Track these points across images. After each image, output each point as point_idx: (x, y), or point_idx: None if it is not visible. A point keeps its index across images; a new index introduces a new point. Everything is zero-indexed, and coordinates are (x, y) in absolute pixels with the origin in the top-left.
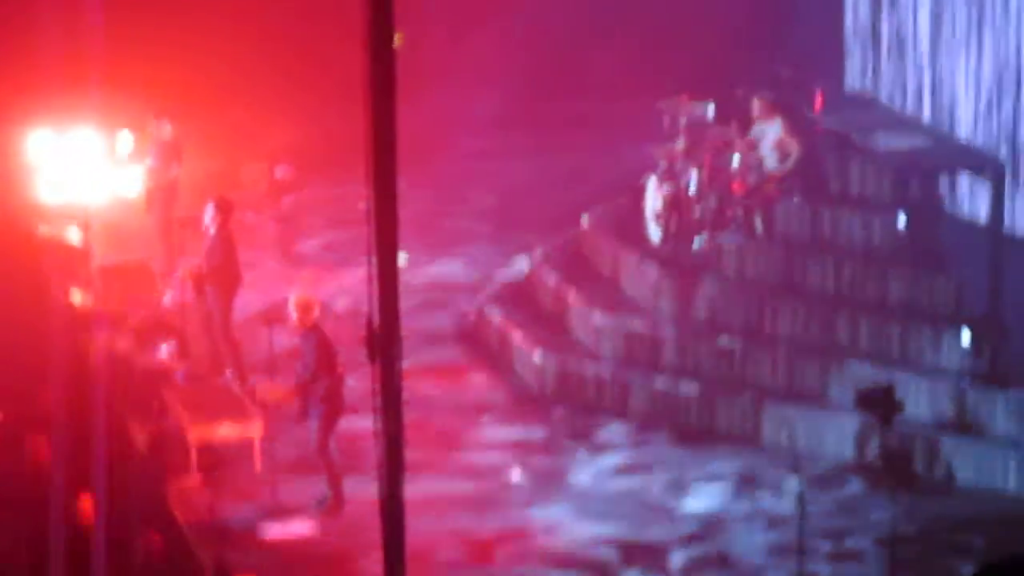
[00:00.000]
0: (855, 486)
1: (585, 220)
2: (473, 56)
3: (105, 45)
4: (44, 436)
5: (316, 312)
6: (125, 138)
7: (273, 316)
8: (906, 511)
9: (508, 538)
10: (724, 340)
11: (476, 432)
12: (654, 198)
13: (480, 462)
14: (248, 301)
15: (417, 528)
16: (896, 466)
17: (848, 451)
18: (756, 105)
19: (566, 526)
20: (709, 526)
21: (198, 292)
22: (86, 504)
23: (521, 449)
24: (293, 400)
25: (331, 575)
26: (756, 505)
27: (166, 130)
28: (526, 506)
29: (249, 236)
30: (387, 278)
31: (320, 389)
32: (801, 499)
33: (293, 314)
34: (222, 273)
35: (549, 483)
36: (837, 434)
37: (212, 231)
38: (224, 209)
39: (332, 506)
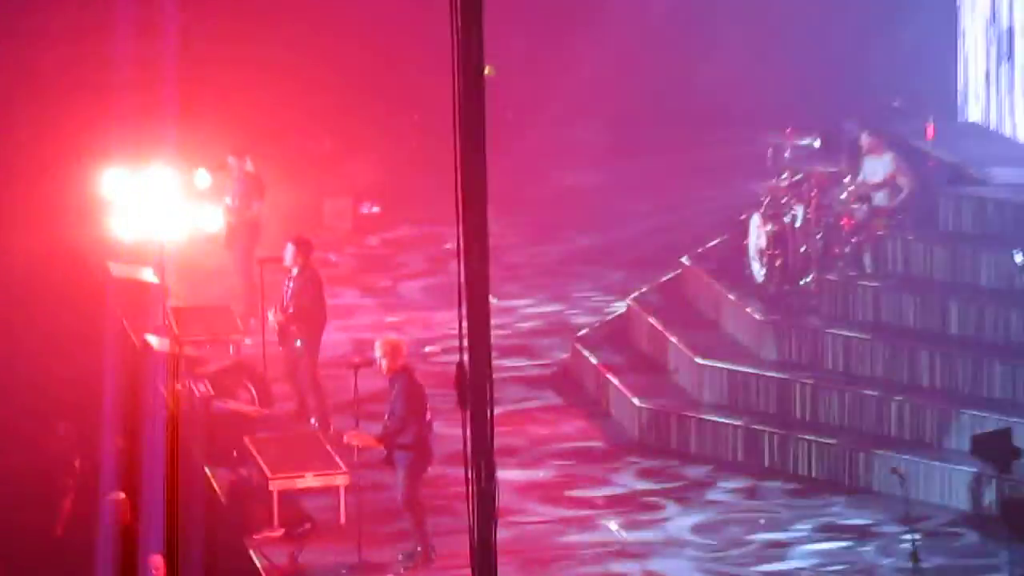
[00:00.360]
0: (971, 538)
1: (686, 259)
2: (567, 87)
3: (182, 79)
4: (125, 495)
5: (404, 354)
6: (203, 174)
7: (360, 359)
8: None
9: None
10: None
11: (572, 481)
12: (758, 235)
13: (574, 514)
14: (332, 343)
15: None
16: (1015, 516)
17: (963, 501)
18: (865, 139)
19: None
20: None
21: (284, 336)
22: (163, 562)
23: (618, 500)
24: (380, 448)
25: None
26: (868, 559)
27: (247, 165)
28: (626, 560)
29: (333, 275)
30: (477, 319)
31: (408, 436)
32: (915, 554)
33: (380, 358)
34: (310, 316)
35: (647, 536)
36: (952, 483)
37: (295, 271)
38: (304, 248)
39: (421, 561)
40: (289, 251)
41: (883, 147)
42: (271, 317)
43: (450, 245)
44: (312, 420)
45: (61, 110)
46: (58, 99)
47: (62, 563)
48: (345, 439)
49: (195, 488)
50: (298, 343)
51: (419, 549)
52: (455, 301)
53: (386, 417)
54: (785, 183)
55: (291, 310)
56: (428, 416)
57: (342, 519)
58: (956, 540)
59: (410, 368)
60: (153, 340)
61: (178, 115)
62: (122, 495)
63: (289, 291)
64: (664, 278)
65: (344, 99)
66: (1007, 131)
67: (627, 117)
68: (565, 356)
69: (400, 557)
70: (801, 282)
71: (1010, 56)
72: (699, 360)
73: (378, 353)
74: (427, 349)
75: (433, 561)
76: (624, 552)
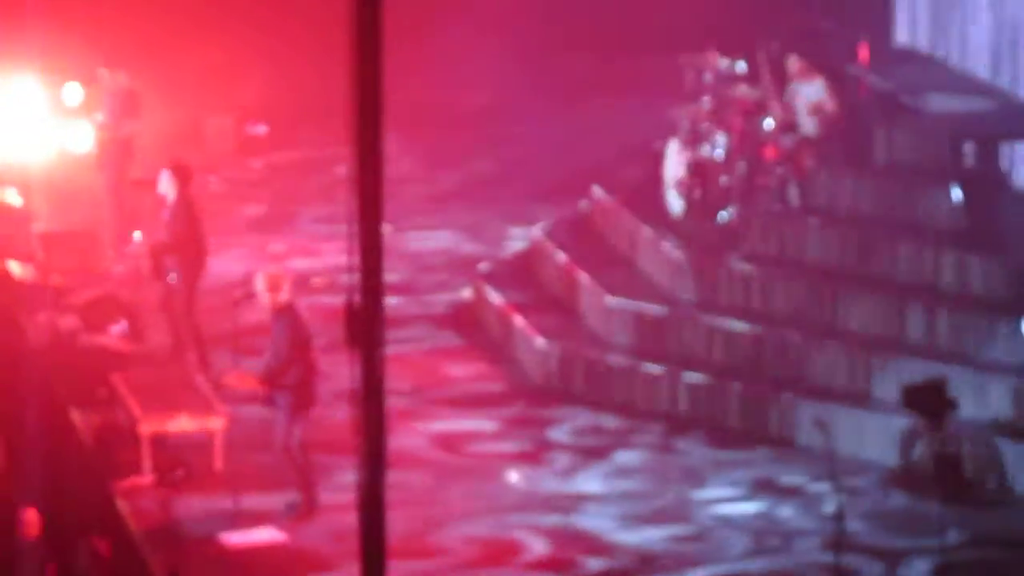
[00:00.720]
0: (900, 497)
1: (597, 190)
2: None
3: None
4: None
5: (287, 289)
6: (73, 89)
7: (241, 292)
8: (957, 524)
9: (500, 545)
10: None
11: (468, 428)
12: (675, 165)
13: (471, 464)
14: (212, 273)
15: (397, 532)
16: (947, 473)
17: (892, 456)
18: (793, 63)
19: (563, 534)
20: (722, 541)
21: (156, 267)
22: (22, 507)
23: (519, 447)
24: (260, 389)
25: None
26: (788, 518)
27: (121, 80)
28: (519, 512)
29: (214, 201)
30: (370, 252)
31: (290, 376)
32: (840, 513)
33: (262, 291)
34: (185, 246)
35: (546, 487)
36: (881, 436)
37: (171, 199)
38: (181, 175)
39: (303, 511)
40: (164, 178)
41: (813, 72)
42: (136, 237)
43: (342, 169)
44: (188, 357)
45: None
46: None
47: None
48: (224, 379)
49: (59, 431)
50: (172, 277)
51: (301, 497)
52: (345, 230)
53: (268, 355)
54: (706, 109)
55: (164, 240)
56: (313, 354)
57: (218, 464)
58: (884, 499)
59: (294, 304)
60: (15, 268)
61: (45, 24)
62: None
63: (164, 220)
64: (574, 210)
65: (230, 7)
66: (944, 55)
67: (531, 33)
68: (465, 293)
69: (284, 507)
70: (721, 216)
71: None
72: (610, 299)
73: (259, 286)
74: (314, 281)
75: (315, 511)
76: (524, 506)
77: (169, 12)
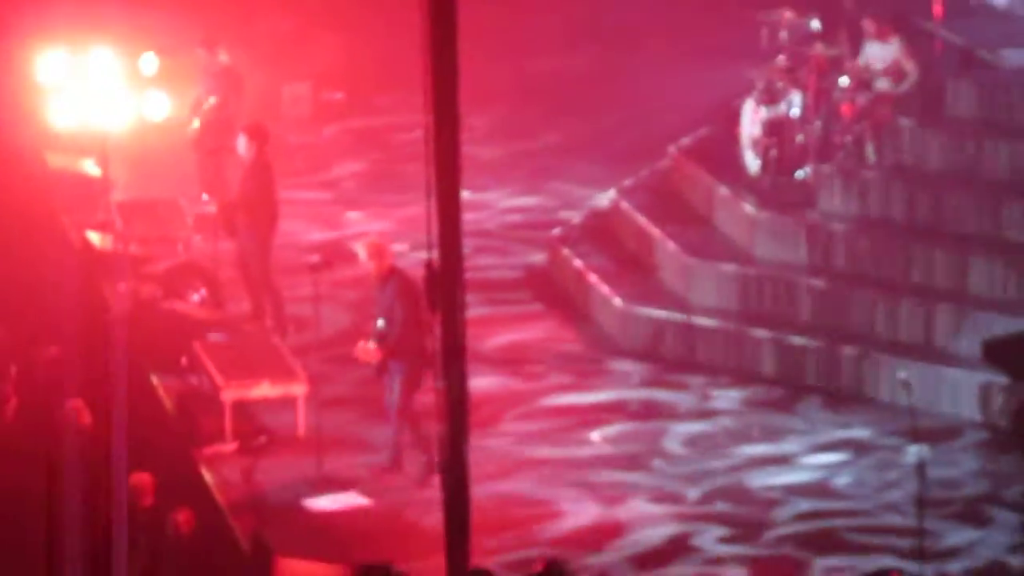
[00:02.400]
0: (981, 450)
1: (672, 150)
2: None
3: None
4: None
5: (391, 254)
6: (149, 59)
7: (319, 259)
8: None
9: (581, 512)
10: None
11: (550, 388)
12: (751, 124)
13: (553, 425)
14: (288, 242)
15: (480, 496)
16: None
17: (974, 411)
18: (869, 24)
19: (645, 501)
20: (814, 498)
21: (227, 225)
22: (107, 474)
23: (598, 410)
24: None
25: (385, 552)
26: (871, 476)
27: (221, 59)
28: (606, 472)
29: (289, 165)
30: (448, 217)
31: (408, 342)
32: (922, 467)
33: (367, 260)
34: (256, 206)
35: (631, 450)
36: (961, 392)
37: (247, 160)
38: (258, 137)
39: (387, 469)
40: (241, 140)
41: (888, 32)
42: (204, 198)
43: (418, 135)
44: (267, 323)
45: None
46: None
47: (11, 475)
48: (356, 353)
49: (142, 400)
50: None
51: (424, 458)
52: (423, 196)
53: (379, 323)
54: (781, 67)
55: (236, 203)
56: (426, 317)
57: (300, 431)
58: (965, 452)
59: (400, 269)
60: (95, 237)
61: None
62: (79, 402)
63: (238, 181)
64: (649, 170)
65: None
66: (1019, 10)
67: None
68: (543, 255)
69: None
70: (797, 174)
71: None
72: (688, 259)
73: (363, 255)
74: (395, 248)
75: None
76: (607, 463)
77: None
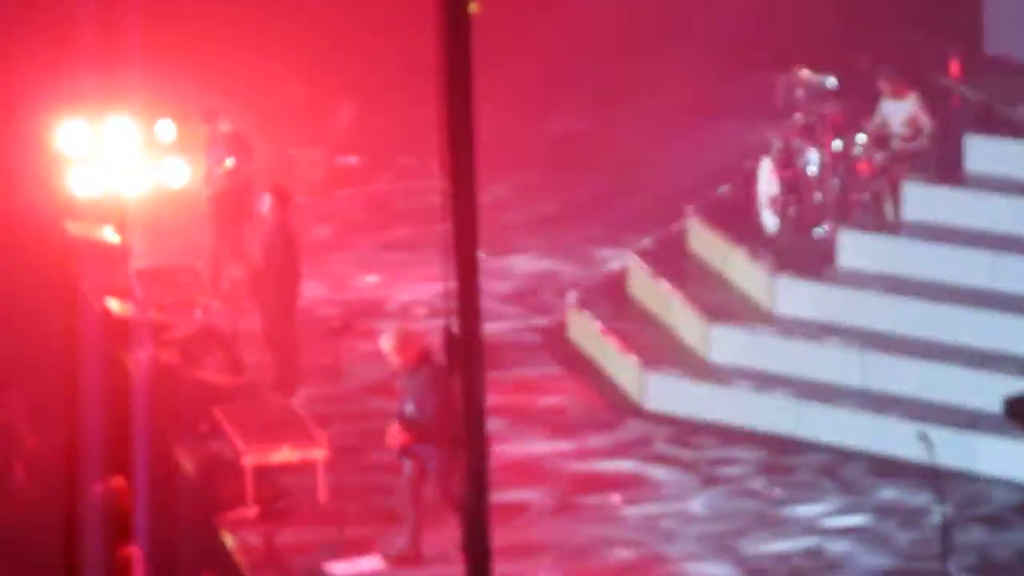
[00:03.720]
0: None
1: (690, 210)
2: (554, 24)
3: (143, 25)
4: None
5: (417, 342)
6: (166, 126)
7: (339, 323)
8: None
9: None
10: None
11: (569, 452)
12: (769, 182)
13: (573, 485)
14: (307, 304)
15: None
16: None
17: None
18: (885, 82)
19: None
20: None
21: (257, 292)
22: (128, 542)
23: (620, 474)
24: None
25: None
26: (892, 534)
27: (222, 127)
28: (629, 531)
29: (305, 229)
30: (466, 279)
31: (441, 430)
32: (946, 528)
33: (391, 353)
34: (283, 272)
35: (650, 511)
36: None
37: (270, 222)
38: (282, 198)
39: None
40: (265, 201)
41: (904, 89)
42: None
43: (435, 198)
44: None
45: (16, 58)
46: (13, 47)
47: (19, 551)
48: (388, 439)
49: (163, 466)
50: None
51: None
52: (440, 258)
53: (408, 407)
54: (798, 125)
55: (261, 267)
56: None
57: (321, 495)
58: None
59: (429, 354)
60: (114, 305)
61: (140, 63)
62: (120, 480)
63: (261, 244)
64: (666, 230)
65: (319, 45)
66: None
67: (622, 55)
68: (560, 315)
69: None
70: (816, 232)
71: None
72: (707, 319)
73: (386, 348)
74: (418, 311)
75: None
76: (625, 527)
77: (261, 50)
